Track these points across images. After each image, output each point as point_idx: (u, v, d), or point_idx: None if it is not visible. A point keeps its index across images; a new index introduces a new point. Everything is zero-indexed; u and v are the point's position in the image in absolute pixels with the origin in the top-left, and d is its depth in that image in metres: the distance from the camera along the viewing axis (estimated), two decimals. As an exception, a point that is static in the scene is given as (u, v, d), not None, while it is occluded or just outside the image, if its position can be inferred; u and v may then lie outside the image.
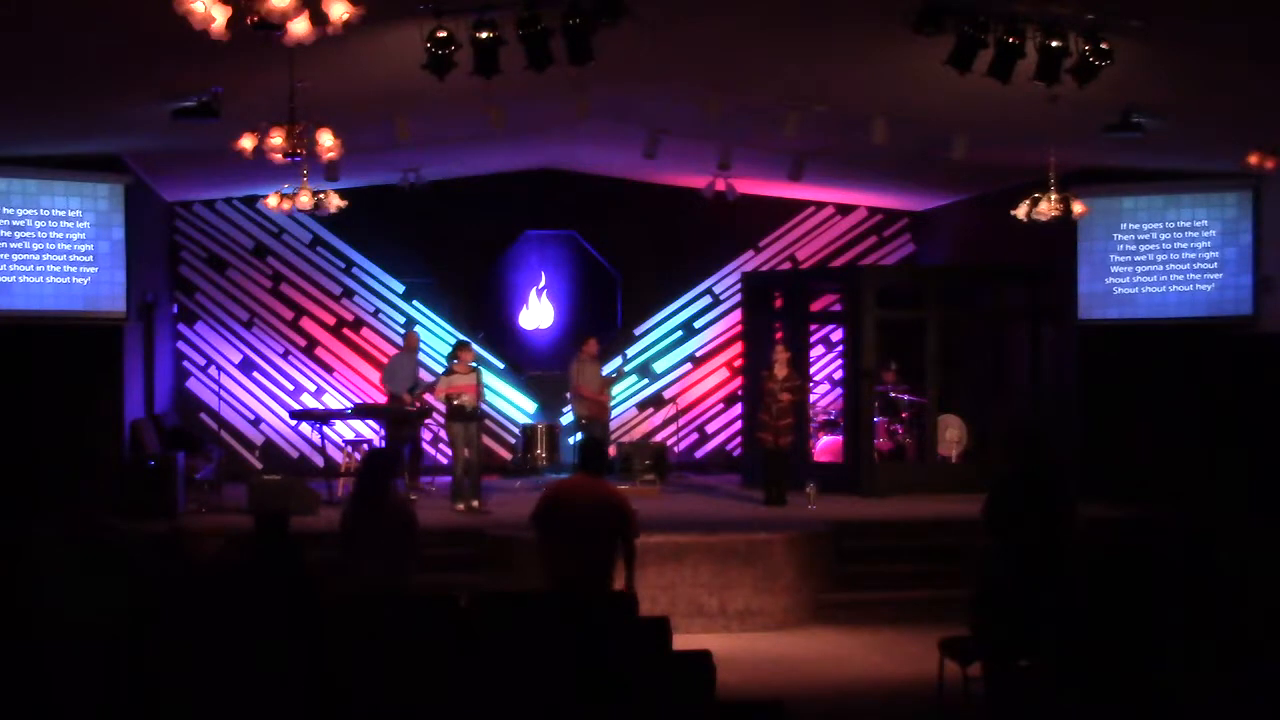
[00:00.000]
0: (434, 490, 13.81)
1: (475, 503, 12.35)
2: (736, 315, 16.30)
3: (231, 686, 5.68)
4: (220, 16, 5.88)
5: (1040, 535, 7.39)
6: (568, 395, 14.71)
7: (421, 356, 15.41)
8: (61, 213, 12.00)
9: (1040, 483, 7.58)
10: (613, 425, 15.53)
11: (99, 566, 6.88)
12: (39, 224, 11.91)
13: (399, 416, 13.58)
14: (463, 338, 14.18)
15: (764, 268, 16.72)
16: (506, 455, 16.07)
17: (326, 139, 8.57)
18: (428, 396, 14.17)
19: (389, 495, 7.81)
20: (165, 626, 6.29)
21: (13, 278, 11.80)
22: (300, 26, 5.97)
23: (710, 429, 16.80)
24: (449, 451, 13.33)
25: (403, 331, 15.89)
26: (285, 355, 15.80)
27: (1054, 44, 7.98)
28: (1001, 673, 7.24)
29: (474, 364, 13.04)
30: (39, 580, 6.64)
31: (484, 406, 13.47)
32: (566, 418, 16.21)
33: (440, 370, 14.25)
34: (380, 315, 15.97)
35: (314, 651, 6.00)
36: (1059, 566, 7.33)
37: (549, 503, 7.81)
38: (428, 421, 15.14)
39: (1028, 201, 11.11)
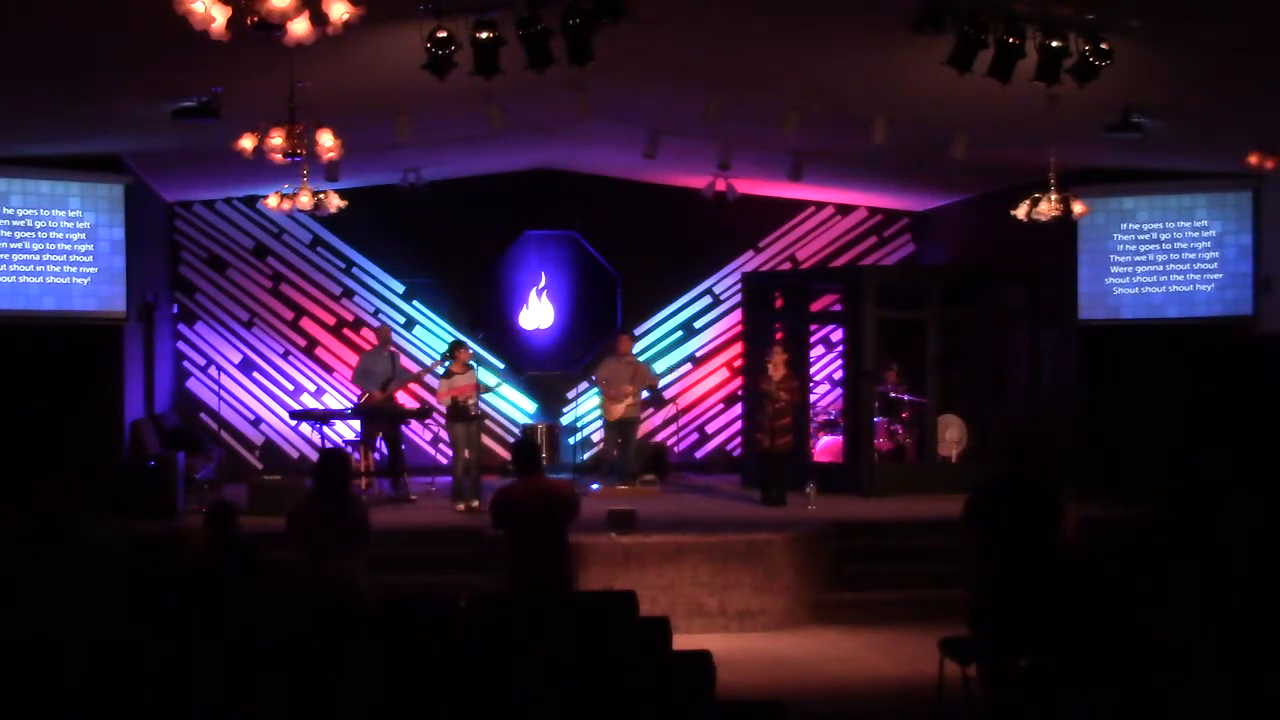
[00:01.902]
0: (434, 490, 13.81)
1: (475, 503, 12.35)
2: (736, 315, 16.31)
3: (210, 684, 5.69)
4: (220, 16, 5.88)
5: (1026, 536, 7.38)
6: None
7: (422, 357, 15.44)
8: (61, 213, 11.99)
9: (1026, 484, 7.57)
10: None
11: (68, 567, 6.89)
12: (39, 224, 11.91)
13: (400, 416, 13.55)
14: (458, 337, 14.16)
15: (764, 268, 16.72)
16: (506, 455, 16.06)
17: (326, 139, 8.57)
18: (431, 399, 14.15)
19: (347, 496, 7.84)
20: (143, 624, 6.31)
21: (13, 278, 11.80)
22: (300, 26, 5.97)
23: (710, 429, 16.80)
24: (449, 451, 13.32)
25: (403, 331, 15.92)
26: (285, 355, 15.80)
27: (1054, 44, 7.98)
28: (995, 673, 7.24)
29: (470, 363, 13.02)
30: (8, 582, 6.67)
31: (482, 406, 13.44)
32: (567, 418, 16.22)
33: (428, 361, 14.19)
34: (380, 315, 15.96)
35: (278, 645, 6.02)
36: (1048, 567, 7.32)
37: (499, 508, 7.90)
38: (427, 421, 15.15)
39: (1028, 201, 11.12)
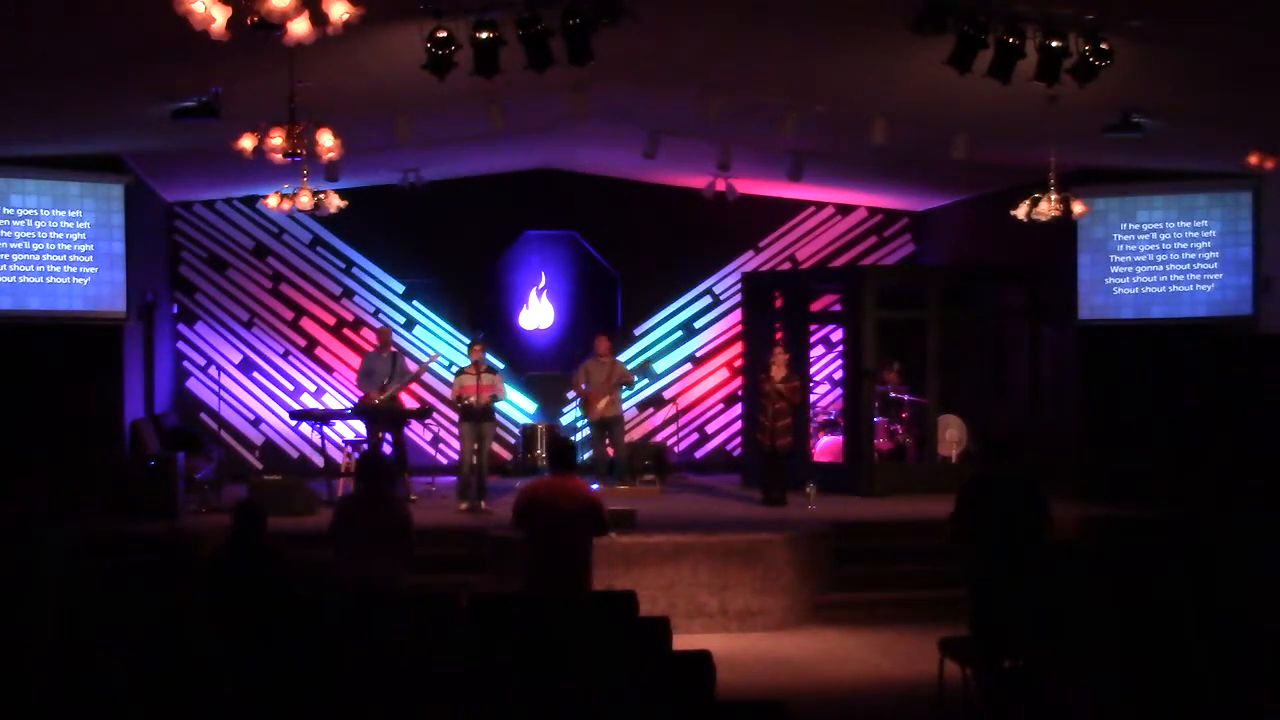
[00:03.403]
0: (434, 490, 13.80)
1: (482, 503, 12.32)
2: (736, 315, 16.30)
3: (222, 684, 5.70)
4: (220, 16, 5.88)
5: (1010, 536, 7.39)
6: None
7: (422, 357, 15.40)
8: (61, 212, 11.99)
9: (1007, 484, 7.57)
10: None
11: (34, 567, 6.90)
12: (39, 224, 11.91)
13: (401, 417, 13.55)
14: (476, 337, 14.18)
15: (764, 268, 16.72)
16: (506, 455, 16.06)
17: (326, 139, 8.55)
18: (431, 399, 14.13)
19: (388, 496, 7.92)
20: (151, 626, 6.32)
21: (13, 278, 11.80)
22: (300, 26, 5.97)
23: (710, 429, 16.80)
24: (449, 452, 13.30)
25: (403, 331, 15.92)
26: (285, 355, 15.80)
27: (1054, 44, 7.98)
28: (989, 673, 7.25)
29: (478, 361, 12.98)
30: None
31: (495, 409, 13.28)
32: (567, 418, 16.22)
33: (425, 370, 14.21)
34: (380, 315, 15.97)
35: (298, 647, 6.02)
36: (1035, 567, 7.33)
37: (524, 505, 7.94)
38: (428, 422, 15.14)
39: (1028, 201, 11.11)
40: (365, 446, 13.88)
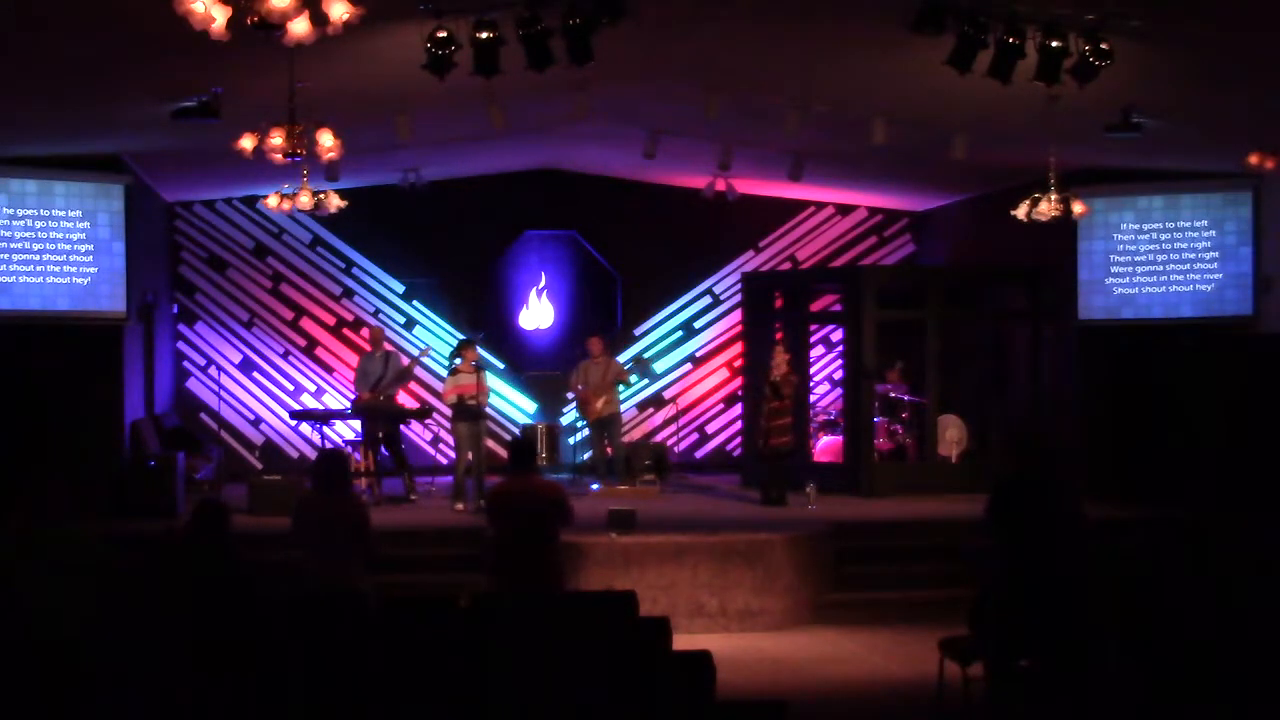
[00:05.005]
0: (434, 490, 13.80)
1: (483, 502, 12.32)
2: (736, 315, 16.30)
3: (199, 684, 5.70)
4: (220, 16, 5.88)
5: (1041, 537, 7.39)
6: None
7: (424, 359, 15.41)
8: (61, 213, 11.99)
9: (1042, 485, 7.57)
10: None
11: (68, 565, 6.90)
12: (39, 224, 11.91)
13: (398, 415, 13.55)
14: (464, 337, 14.16)
15: (764, 268, 16.72)
16: (506, 455, 16.03)
17: (326, 139, 8.56)
18: (431, 398, 14.11)
19: (344, 495, 7.88)
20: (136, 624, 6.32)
21: (13, 278, 11.80)
22: (300, 26, 5.97)
23: (710, 429, 16.80)
24: (450, 451, 13.30)
25: (403, 332, 15.92)
26: (285, 355, 15.80)
27: (1054, 44, 7.99)
28: (1002, 673, 7.24)
29: (475, 363, 12.99)
30: (8, 578, 6.67)
31: (488, 408, 13.36)
32: (566, 418, 16.22)
33: (417, 364, 14.18)
34: (380, 315, 15.97)
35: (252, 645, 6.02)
36: (1059, 568, 7.32)
37: (493, 504, 7.99)
38: (427, 422, 15.15)
39: (1028, 201, 11.11)
40: (328, 445, 13.85)
